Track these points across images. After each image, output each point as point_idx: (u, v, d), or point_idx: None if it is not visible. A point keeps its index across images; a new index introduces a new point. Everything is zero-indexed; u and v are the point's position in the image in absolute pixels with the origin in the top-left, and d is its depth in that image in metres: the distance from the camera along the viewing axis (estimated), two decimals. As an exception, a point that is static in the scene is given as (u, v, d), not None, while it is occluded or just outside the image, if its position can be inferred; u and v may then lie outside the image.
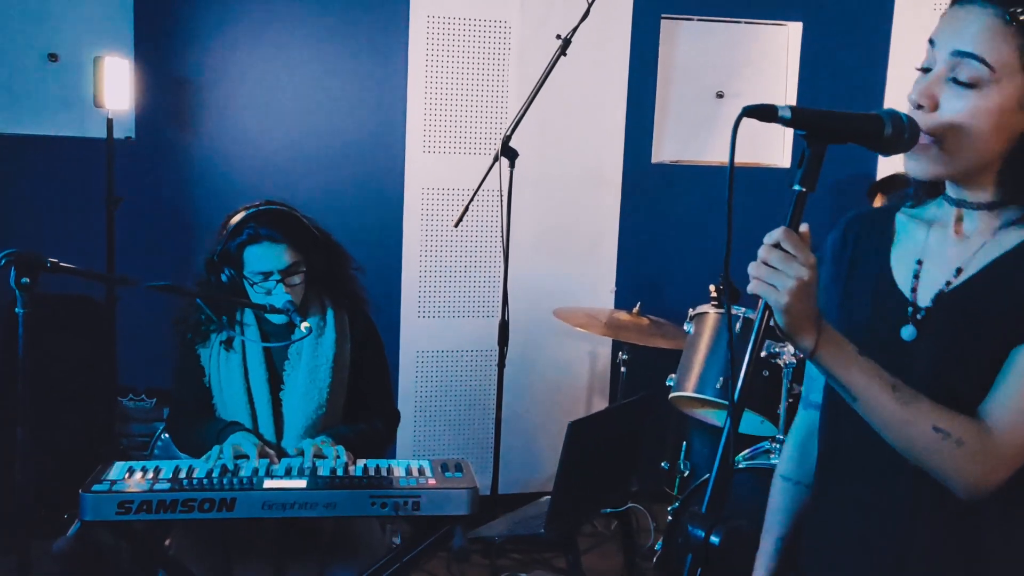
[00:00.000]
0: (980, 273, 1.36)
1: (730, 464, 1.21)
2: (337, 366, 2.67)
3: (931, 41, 1.35)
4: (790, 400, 3.30)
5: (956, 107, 1.30)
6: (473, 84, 4.29)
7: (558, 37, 3.65)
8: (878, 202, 3.99)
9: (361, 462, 2.48)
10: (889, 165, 4.29)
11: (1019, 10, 1.26)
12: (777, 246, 1.22)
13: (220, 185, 4.15)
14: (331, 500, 2.32)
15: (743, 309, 3.46)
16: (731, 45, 4.70)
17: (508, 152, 3.74)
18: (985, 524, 1.33)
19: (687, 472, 3.88)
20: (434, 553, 2.52)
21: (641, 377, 4.08)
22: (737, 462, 3.29)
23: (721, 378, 3.38)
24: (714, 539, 1.15)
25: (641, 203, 4.60)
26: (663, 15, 4.53)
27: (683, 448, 3.91)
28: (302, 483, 2.34)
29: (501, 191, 3.73)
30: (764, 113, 1.20)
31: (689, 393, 3.46)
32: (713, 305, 3.53)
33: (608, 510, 2.66)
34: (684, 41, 4.64)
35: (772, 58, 4.74)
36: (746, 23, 4.68)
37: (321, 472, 2.40)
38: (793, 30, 4.69)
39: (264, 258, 2.55)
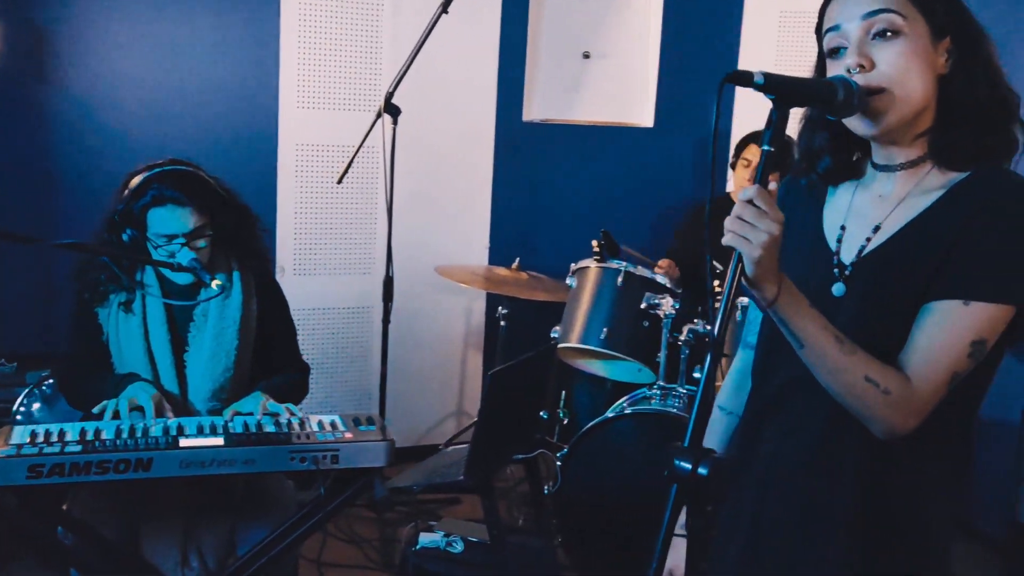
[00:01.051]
0: (899, 232, 1.49)
1: (710, 398, 1.30)
2: (244, 328, 2.63)
3: (834, 27, 1.48)
4: (668, 350, 3.46)
5: (890, 57, 1.43)
6: (346, 39, 4.23)
7: (441, -6, 3.66)
8: (750, 152, 4.20)
9: (271, 418, 2.48)
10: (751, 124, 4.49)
11: None
12: (750, 203, 1.32)
13: (82, 136, 3.93)
14: (250, 456, 2.32)
15: (623, 263, 3.61)
16: (597, 6, 4.81)
17: (391, 109, 3.74)
18: (896, 460, 1.48)
19: (567, 420, 4.03)
20: (341, 509, 2.54)
21: (520, 331, 4.18)
22: (620, 408, 3.45)
23: (605, 329, 3.52)
24: (702, 470, 1.25)
25: (514, 161, 4.68)
26: (533, -27, 4.60)
27: (562, 397, 4.05)
28: (219, 440, 2.32)
29: (384, 148, 3.73)
30: (741, 78, 1.30)
31: (574, 344, 3.59)
32: (595, 260, 3.65)
33: (520, 456, 2.77)
34: (552, 0, 4.72)
35: (636, 19, 4.88)
36: (611, -16, 4.80)
37: (234, 429, 2.39)
38: (656, -8, 4.85)
39: (168, 221, 2.48)
